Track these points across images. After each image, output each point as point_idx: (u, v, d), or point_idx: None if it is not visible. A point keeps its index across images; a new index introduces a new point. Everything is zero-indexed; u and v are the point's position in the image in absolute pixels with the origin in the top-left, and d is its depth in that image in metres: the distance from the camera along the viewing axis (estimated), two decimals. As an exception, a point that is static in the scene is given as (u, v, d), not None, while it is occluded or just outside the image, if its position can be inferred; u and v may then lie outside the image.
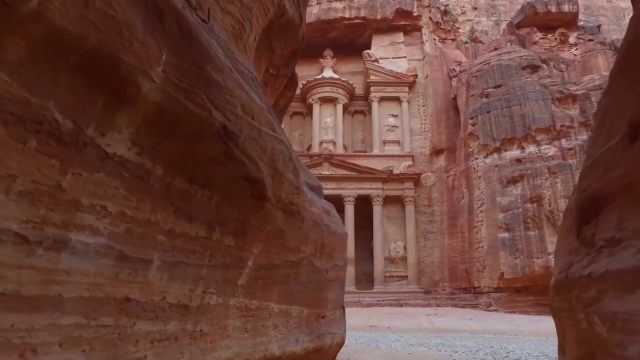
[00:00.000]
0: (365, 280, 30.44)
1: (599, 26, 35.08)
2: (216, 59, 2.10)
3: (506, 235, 24.24)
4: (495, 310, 23.87)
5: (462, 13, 46.92)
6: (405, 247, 30.28)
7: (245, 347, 2.96)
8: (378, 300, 26.20)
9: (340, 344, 4.99)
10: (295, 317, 3.86)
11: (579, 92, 25.70)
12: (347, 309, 22.15)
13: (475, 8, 47.66)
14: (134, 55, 1.77)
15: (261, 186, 2.57)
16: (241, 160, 2.31)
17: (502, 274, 23.91)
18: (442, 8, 40.24)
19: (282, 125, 26.78)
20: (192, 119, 1.97)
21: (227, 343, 2.70)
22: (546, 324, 17.76)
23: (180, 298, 2.22)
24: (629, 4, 42.39)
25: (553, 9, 32.74)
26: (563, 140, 24.66)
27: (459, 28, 41.75)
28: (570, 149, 24.12)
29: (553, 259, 16.17)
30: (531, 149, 25.25)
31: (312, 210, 3.95)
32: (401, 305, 25.08)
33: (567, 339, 2.53)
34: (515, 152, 25.68)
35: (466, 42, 38.38)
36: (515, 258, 23.64)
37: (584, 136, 24.34)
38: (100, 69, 1.73)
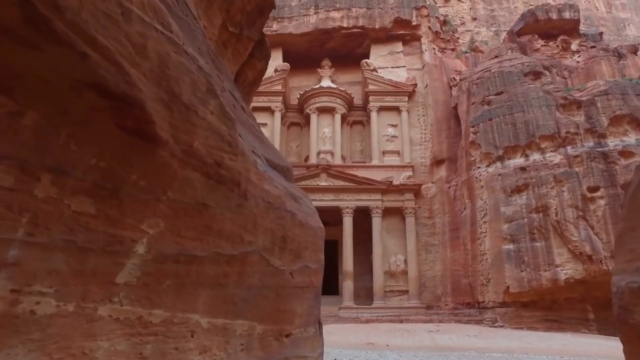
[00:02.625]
0: (365, 295, 29.18)
1: (600, 33, 34.36)
2: None
3: (511, 246, 23.06)
4: (501, 327, 22.57)
5: (461, 24, 46.39)
6: (405, 261, 29.04)
7: (140, 384, 1.87)
8: (377, 316, 24.90)
9: (316, 370, 3.87)
10: (241, 336, 2.77)
11: (584, 98, 24.77)
12: (344, 325, 20.94)
13: (475, 19, 47.16)
14: None
15: (138, 113, 1.53)
16: (77, 47, 1.27)
17: (508, 287, 22.67)
18: (442, 18, 39.66)
19: (278, 136, 25.75)
20: None
21: (93, 380, 1.63)
22: (557, 342, 16.53)
23: None
24: (629, 15, 42.20)
25: (554, 16, 32.06)
26: (569, 148, 23.63)
27: (458, 38, 41.15)
28: (577, 156, 23.07)
29: (561, 272, 14.95)
30: (535, 156, 24.22)
31: (266, 189, 2.89)
32: (402, 321, 23.77)
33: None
34: (519, 160, 24.65)
35: (466, 52, 37.69)
36: (522, 271, 22.42)
37: (590, 143, 23.35)
38: None
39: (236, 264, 2.60)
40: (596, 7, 52.08)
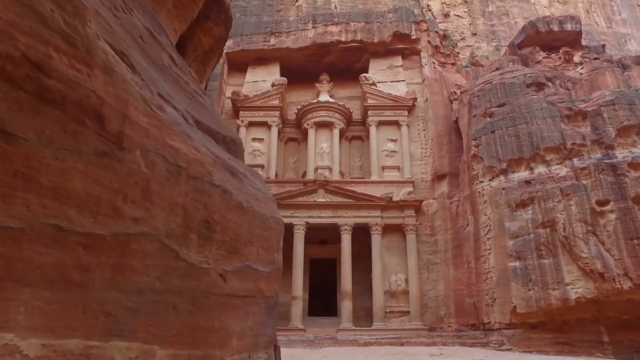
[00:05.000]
0: (365, 316, 27.87)
1: (603, 45, 33.77)
2: None
3: (517, 264, 21.85)
4: (509, 350, 21.23)
5: (461, 39, 46.03)
6: (406, 280, 27.81)
7: None
8: (377, 339, 23.57)
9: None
10: (124, 367, 1.78)
11: (589, 109, 23.89)
12: (341, 349, 19.68)
13: (475, 34, 46.81)
14: None
15: None
16: None
17: (515, 307, 21.38)
18: (441, 32, 39.27)
19: (275, 151, 24.89)
20: None
21: None
22: (571, 366, 15.26)
23: None
24: (630, 30, 41.78)
25: (555, 28, 31.48)
26: (575, 160, 22.63)
27: (458, 53, 40.66)
28: (584, 168, 22.04)
29: (571, 290, 13.77)
30: (541, 169, 23.22)
31: (174, 145, 1.95)
32: (402, 344, 22.44)
33: None
34: (523, 174, 23.63)
35: (466, 66, 37.09)
36: (529, 290, 21.17)
37: (597, 154, 22.35)
38: None
39: (108, 251, 1.64)
40: (597, 22, 51.78)
